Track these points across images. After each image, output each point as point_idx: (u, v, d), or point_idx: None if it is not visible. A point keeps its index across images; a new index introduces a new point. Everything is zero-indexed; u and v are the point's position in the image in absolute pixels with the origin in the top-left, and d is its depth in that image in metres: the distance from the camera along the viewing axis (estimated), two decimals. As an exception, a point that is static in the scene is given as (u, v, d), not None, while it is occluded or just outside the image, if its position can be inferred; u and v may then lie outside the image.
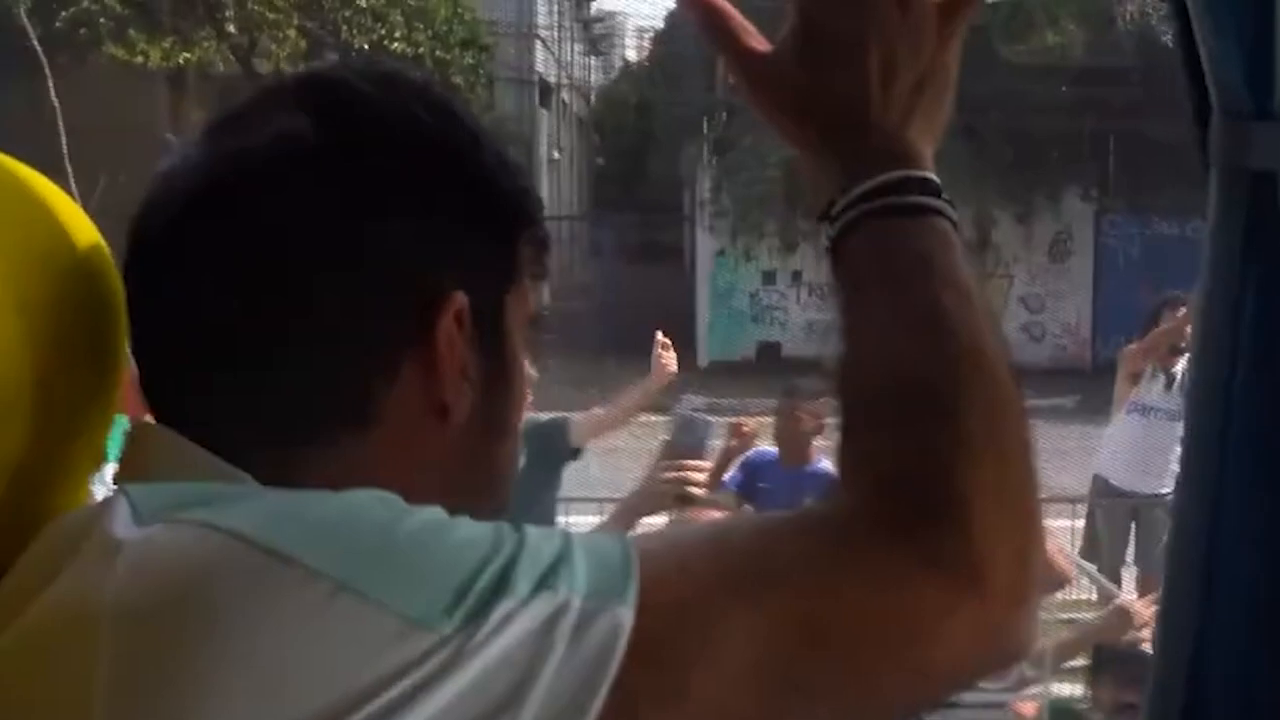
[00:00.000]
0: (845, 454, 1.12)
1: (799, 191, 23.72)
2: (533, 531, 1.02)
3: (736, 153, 24.33)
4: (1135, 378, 9.20)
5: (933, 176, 1.18)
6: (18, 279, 1.12)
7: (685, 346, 24.78)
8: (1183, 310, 8.83)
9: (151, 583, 0.96)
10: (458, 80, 23.33)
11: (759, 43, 1.23)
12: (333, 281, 1.10)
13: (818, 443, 7.22)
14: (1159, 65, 23.20)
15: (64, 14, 22.31)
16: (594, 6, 39.24)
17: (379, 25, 23.81)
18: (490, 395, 1.17)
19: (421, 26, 24.19)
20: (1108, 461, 9.47)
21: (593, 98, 39.19)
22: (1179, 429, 9.15)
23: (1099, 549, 9.19)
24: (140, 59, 22.74)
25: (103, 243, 1.21)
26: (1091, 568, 8.44)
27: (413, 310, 1.12)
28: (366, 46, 23.53)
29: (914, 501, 1.05)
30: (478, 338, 1.15)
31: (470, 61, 24.93)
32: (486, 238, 1.17)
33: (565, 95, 34.26)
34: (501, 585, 0.96)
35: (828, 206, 1.19)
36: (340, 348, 1.11)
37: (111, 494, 1.04)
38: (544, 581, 0.97)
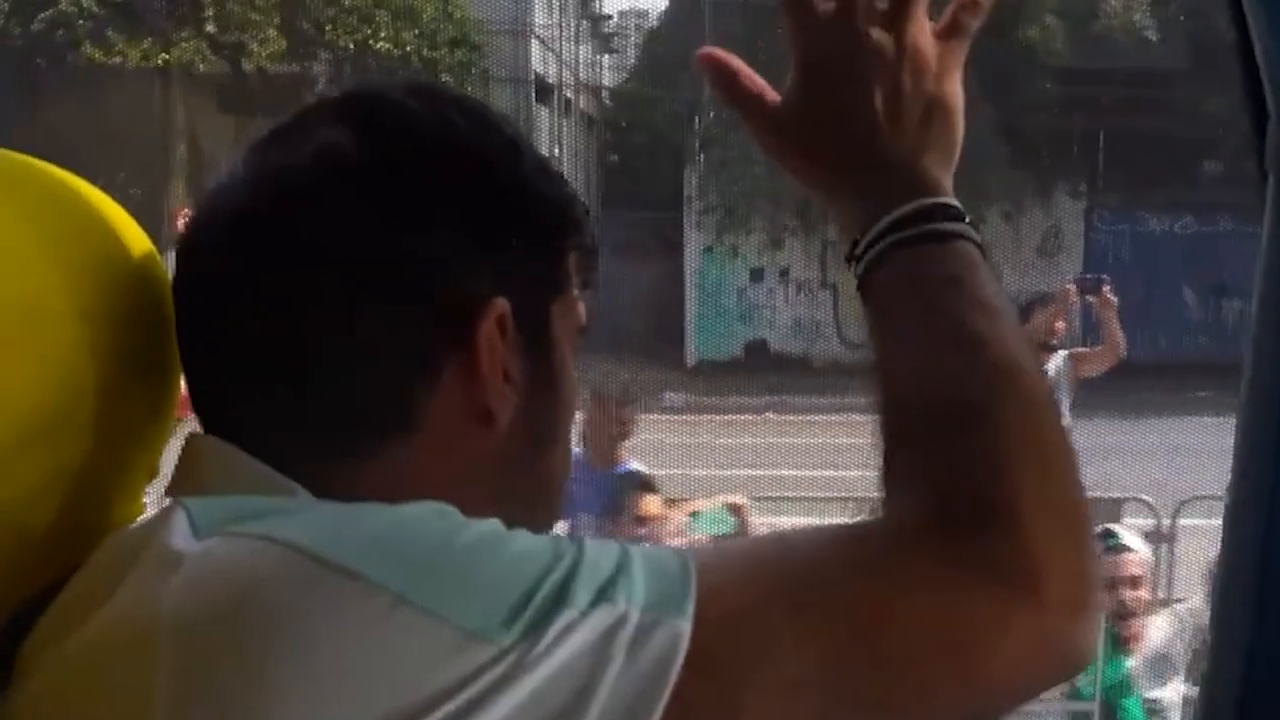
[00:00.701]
0: (893, 470, 1.12)
1: (785, 188, 23.85)
2: (591, 544, 1.01)
3: (722, 149, 24.42)
4: None
5: (953, 202, 1.18)
6: (79, 289, 1.12)
7: (674, 345, 25.08)
8: (1052, 307, 8.91)
9: (210, 595, 0.95)
10: (446, 79, 23.31)
11: (769, 94, 1.24)
12: (372, 292, 1.10)
13: (626, 445, 7.28)
14: (1147, 61, 23.36)
15: (42, 16, 22.30)
16: (604, 4, 39.25)
17: (364, 25, 23.83)
18: (536, 402, 1.17)
19: (408, 25, 24.17)
20: None
21: (605, 96, 39.20)
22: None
23: None
24: (118, 59, 22.72)
25: (156, 252, 1.22)
26: None
27: (453, 317, 1.12)
28: (352, 46, 23.58)
29: (965, 511, 1.05)
30: (522, 344, 1.15)
31: (460, 59, 24.90)
32: (528, 245, 1.17)
33: (569, 93, 34.30)
34: (561, 597, 0.96)
35: (852, 246, 1.19)
36: (381, 357, 1.11)
37: (168, 506, 1.04)
38: (603, 594, 0.97)
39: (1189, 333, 23.95)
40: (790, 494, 9.38)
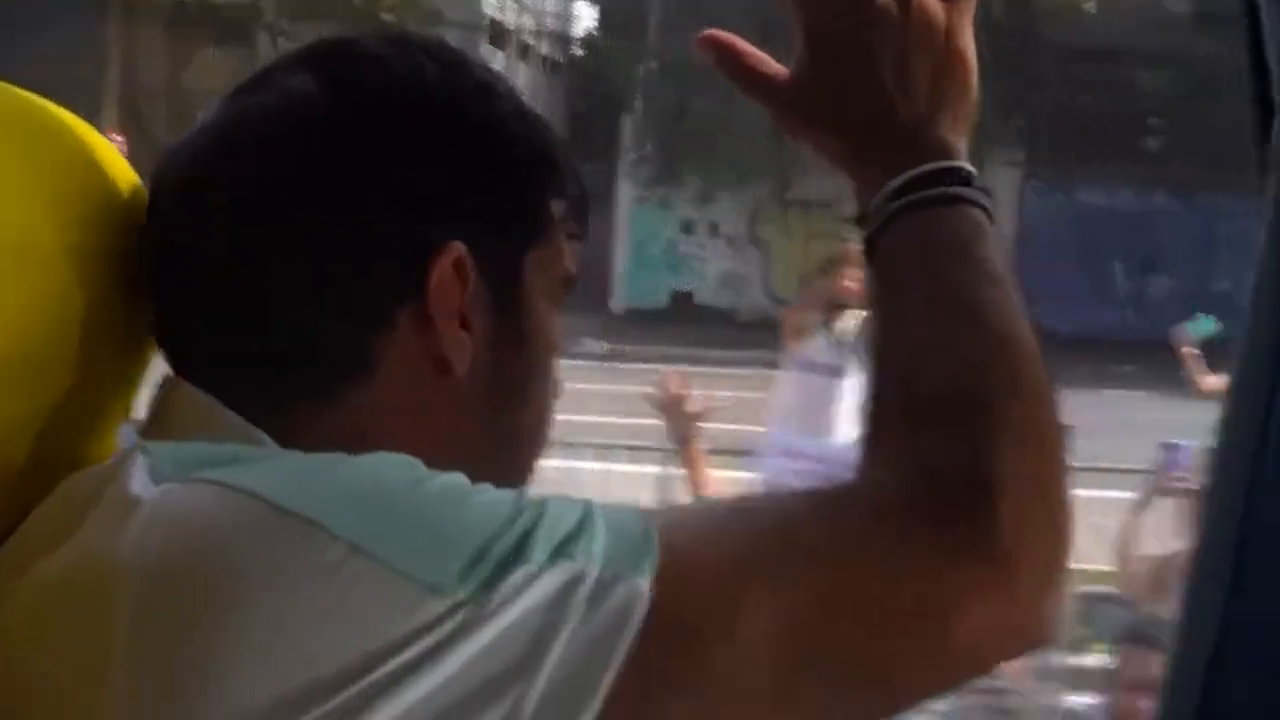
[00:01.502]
0: (880, 436, 1.10)
1: (720, 143, 23.96)
2: (554, 500, 1.00)
3: (659, 101, 24.42)
4: (799, 334, 9.14)
5: (964, 165, 1.17)
6: (67, 225, 1.12)
7: (601, 292, 25.18)
8: (839, 267, 8.78)
9: (168, 541, 0.95)
10: (389, 18, 23.20)
11: (776, 70, 1.22)
12: (327, 235, 1.10)
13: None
14: (1087, 33, 23.48)
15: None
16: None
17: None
18: (503, 354, 1.15)
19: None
20: (776, 420, 9.32)
21: (577, 44, 39.13)
22: (842, 384, 9.33)
23: None
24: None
25: (142, 188, 1.19)
26: None
27: (406, 259, 1.10)
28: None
29: (949, 488, 1.04)
30: (488, 293, 1.13)
31: (404, -1, 24.71)
32: (501, 191, 1.15)
33: (531, 39, 34.26)
34: (518, 552, 0.95)
35: (863, 209, 1.18)
36: (337, 301, 1.10)
37: (130, 450, 1.04)
38: (561, 550, 0.96)
39: (1115, 307, 24.15)
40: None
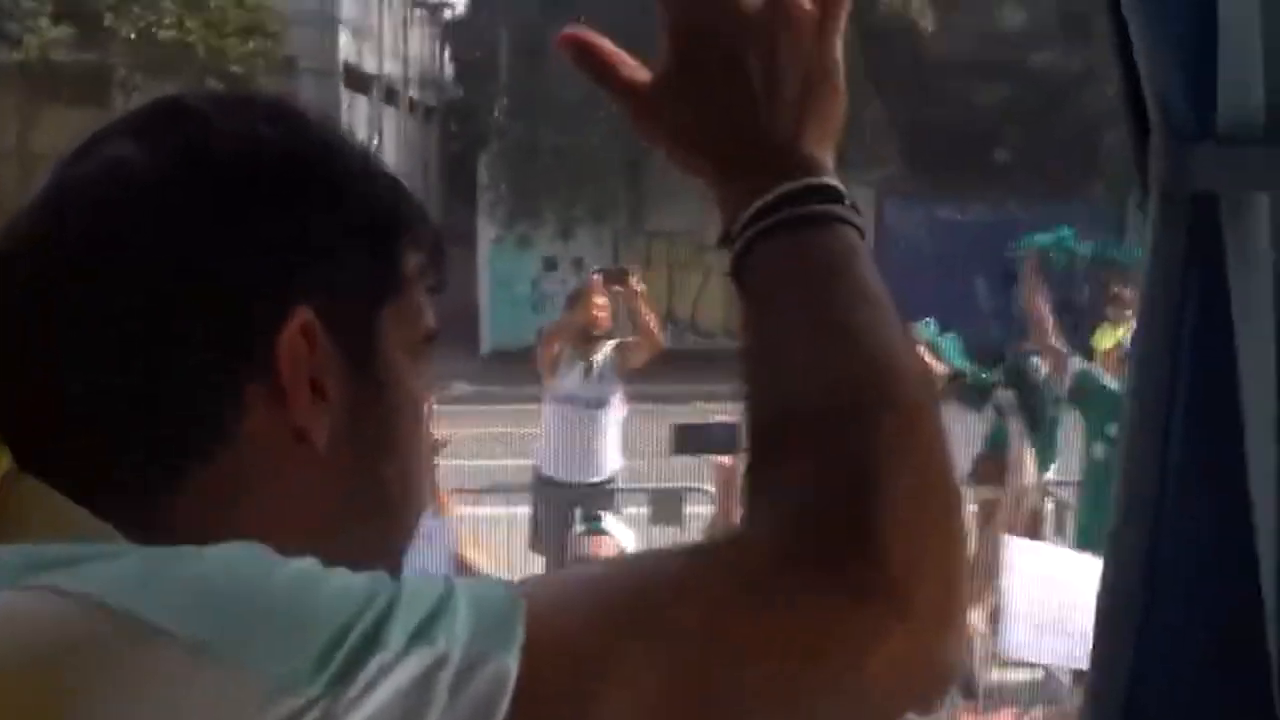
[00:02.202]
0: (755, 483, 1.06)
1: (575, 178, 23.90)
2: (411, 581, 0.96)
3: (512, 138, 24.34)
4: (553, 367, 9.25)
5: (834, 183, 1.13)
6: None
7: (469, 335, 24.97)
8: (583, 300, 9.13)
9: None
10: (236, 69, 22.97)
11: (640, 74, 1.17)
12: (161, 317, 1.04)
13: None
14: (929, 50, 23.70)
15: None
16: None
17: (147, 12, 23.34)
18: (362, 415, 1.09)
19: (193, 13, 23.69)
20: (541, 452, 9.49)
21: (452, 84, 38.87)
22: (600, 416, 9.13)
23: (540, 540, 9.12)
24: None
25: None
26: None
27: (249, 332, 1.05)
28: (133, 36, 23.09)
29: (828, 528, 1.01)
30: (340, 356, 1.08)
31: (252, 49, 24.45)
32: (346, 250, 1.10)
33: (400, 85, 34.27)
34: (374, 640, 0.90)
35: (726, 232, 1.14)
36: (177, 384, 1.04)
37: None
38: (421, 633, 0.91)
39: (979, 320, 24.29)
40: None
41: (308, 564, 0.95)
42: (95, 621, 0.88)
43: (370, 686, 0.89)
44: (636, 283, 9.49)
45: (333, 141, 1.14)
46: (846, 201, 1.13)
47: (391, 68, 33.51)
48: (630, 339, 9.56)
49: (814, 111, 1.15)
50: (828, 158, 1.15)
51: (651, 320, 9.45)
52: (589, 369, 9.12)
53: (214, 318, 1.04)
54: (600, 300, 9.23)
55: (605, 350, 9.21)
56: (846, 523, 1.01)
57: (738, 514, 1.12)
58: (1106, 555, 1.41)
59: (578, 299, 9.32)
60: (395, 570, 1.00)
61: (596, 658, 0.95)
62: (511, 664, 0.92)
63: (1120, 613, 1.38)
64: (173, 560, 0.94)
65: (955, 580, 1.04)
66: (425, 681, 0.90)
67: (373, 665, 0.89)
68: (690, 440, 8.89)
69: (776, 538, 1.01)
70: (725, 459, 8.24)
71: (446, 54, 39.68)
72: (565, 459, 9.19)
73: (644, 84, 1.16)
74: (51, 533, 1.00)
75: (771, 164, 1.12)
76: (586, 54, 1.17)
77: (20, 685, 0.87)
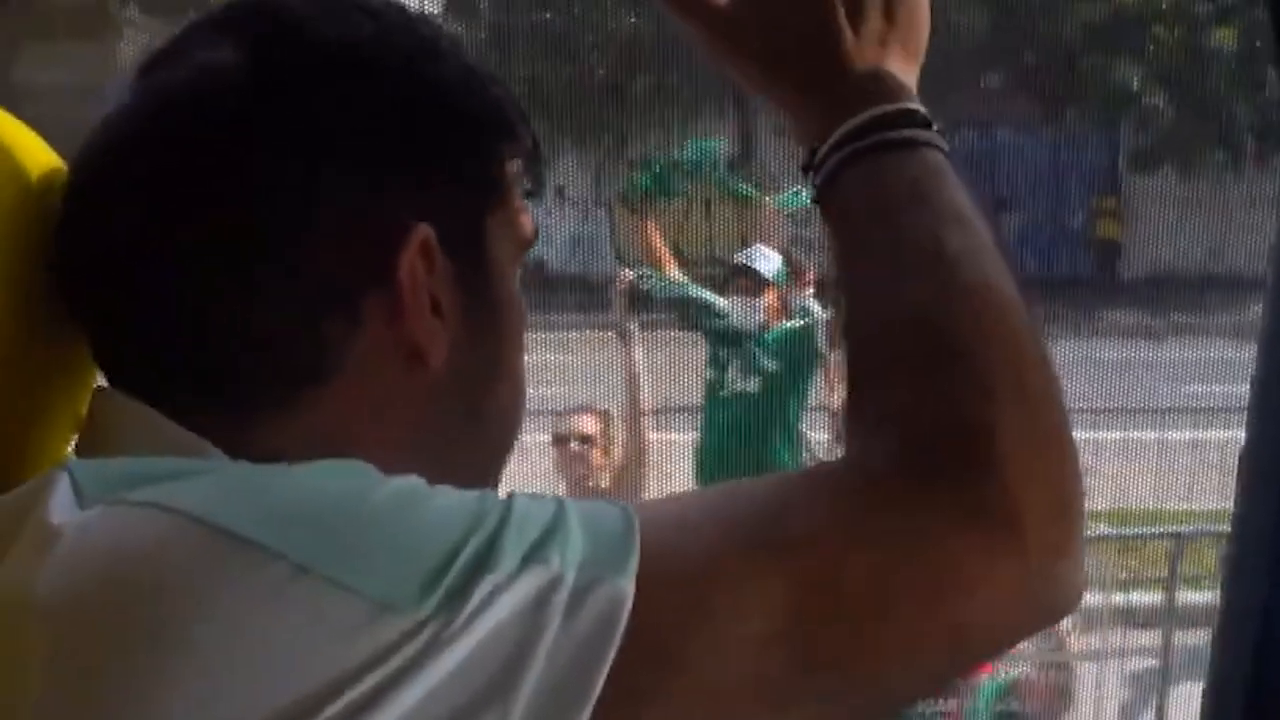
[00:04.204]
0: (861, 408, 1.05)
1: (554, 104, 23.91)
2: (522, 500, 0.94)
3: (490, 67, 24.38)
4: None
5: (918, 107, 1.12)
6: None
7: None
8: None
9: (86, 573, 0.87)
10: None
11: (716, 1, 1.16)
12: (268, 229, 1.01)
13: None
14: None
15: None
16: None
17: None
18: (476, 332, 1.09)
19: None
20: None
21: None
22: None
23: None
24: None
25: (64, 169, 1.09)
26: None
27: (367, 250, 1.03)
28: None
29: (939, 452, 0.99)
30: (454, 270, 1.07)
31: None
32: (456, 158, 1.08)
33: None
34: (485, 560, 0.88)
35: (810, 155, 1.13)
36: (286, 301, 1.02)
37: (52, 472, 0.95)
38: (533, 554, 0.90)
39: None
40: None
41: (413, 482, 0.94)
42: (191, 538, 0.87)
43: (482, 608, 0.87)
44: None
45: (434, 40, 1.10)
46: (934, 127, 1.12)
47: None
48: None
49: (898, 36, 1.15)
50: (912, 82, 1.14)
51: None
52: None
53: (327, 234, 1.02)
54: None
55: None
56: (956, 443, 0.99)
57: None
58: (1232, 536, 1.36)
59: None
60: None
61: (712, 580, 0.94)
62: (627, 586, 0.90)
63: (1245, 596, 1.34)
64: (275, 477, 0.93)
65: (1070, 505, 1.01)
66: (539, 603, 0.88)
67: (485, 586, 0.88)
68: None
69: (890, 459, 1.00)
70: None
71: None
72: None
73: (723, 10, 1.15)
74: (144, 448, 0.99)
75: (855, 90, 1.12)
76: None
77: (113, 609, 0.86)
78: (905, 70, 1.14)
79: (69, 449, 1.10)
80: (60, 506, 0.91)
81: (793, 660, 0.95)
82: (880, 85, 1.12)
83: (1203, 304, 12.97)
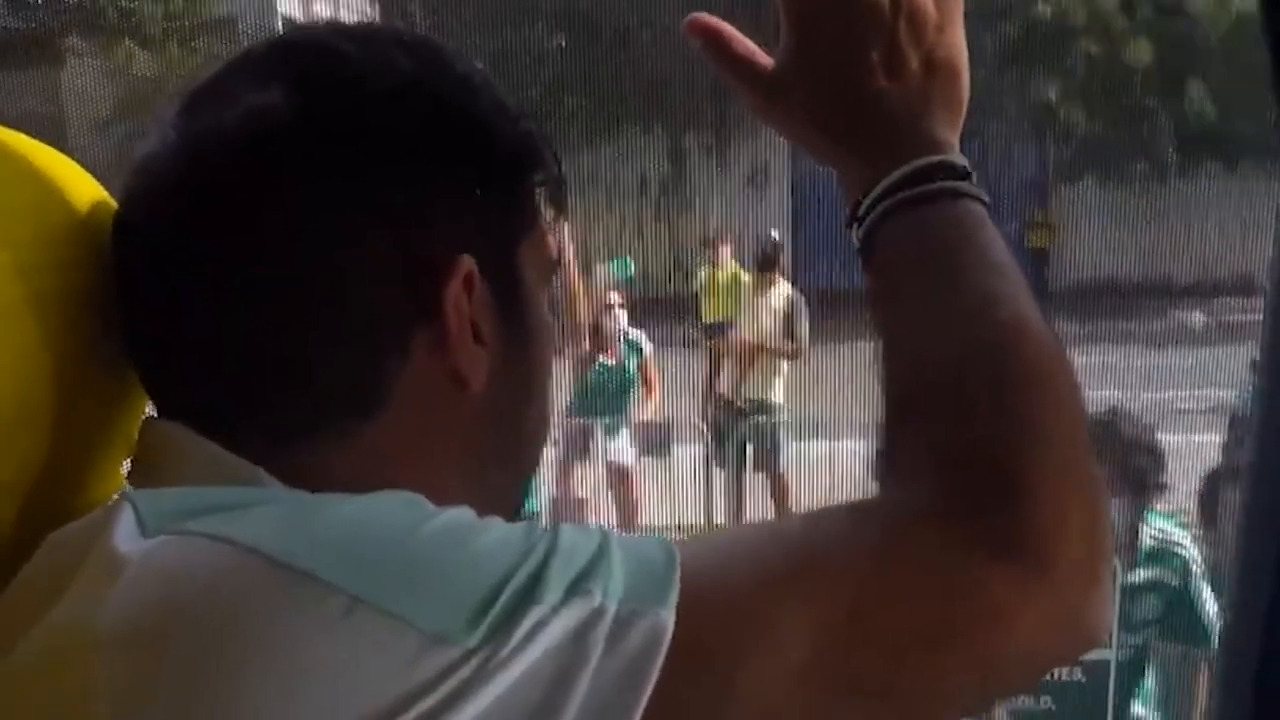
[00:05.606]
0: (899, 445, 1.08)
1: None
2: (567, 532, 0.96)
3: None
4: None
5: (958, 160, 1.15)
6: (31, 270, 1.04)
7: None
8: None
9: (151, 604, 0.90)
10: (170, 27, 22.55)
11: (762, 60, 1.20)
12: (321, 267, 1.04)
13: None
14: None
15: None
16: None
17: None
18: (512, 356, 1.12)
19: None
20: None
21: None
22: None
23: None
24: None
25: (111, 202, 1.12)
26: None
27: (416, 284, 1.06)
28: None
29: (975, 488, 1.02)
30: (490, 297, 1.10)
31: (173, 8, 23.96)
32: (490, 190, 1.11)
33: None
34: (531, 592, 0.91)
35: (854, 210, 1.16)
36: (340, 336, 1.05)
37: (115, 501, 0.98)
38: (577, 586, 0.92)
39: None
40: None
41: (462, 514, 0.97)
42: (255, 570, 0.89)
43: (528, 639, 0.89)
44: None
45: (468, 75, 1.14)
46: (972, 179, 1.15)
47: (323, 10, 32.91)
48: None
49: (938, 92, 1.17)
50: (953, 136, 1.17)
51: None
52: None
53: (376, 270, 1.05)
54: None
55: None
56: (993, 479, 1.02)
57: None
58: (1239, 527, 1.41)
59: None
60: (514, 513, 1.02)
61: (751, 616, 0.96)
62: (668, 619, 0.92)
63: (1252, 587, 1.39)
64: (328, 507, 0.95)
65: (1098, 537, 1.04)
66: (580, 635, 0.91)
67: (530, 618, 0.90)
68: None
69: (927, 495, 1.02)
70: None
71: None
72: None
73: (766, 69, 1.20)
74: (206, 478, 1.02)
75: (896, 144, 1.15)
76: (714, 41, 1.21)
77: (180, 635, 0.88)
78: (946, 121, 1.17)
79: (123, 477, 1.12)
80: (125, 535, 0.94)
81: (832, 689, 0.98)
82: (921, 138, 1.15)
83: (1126, 310, 13.08)
